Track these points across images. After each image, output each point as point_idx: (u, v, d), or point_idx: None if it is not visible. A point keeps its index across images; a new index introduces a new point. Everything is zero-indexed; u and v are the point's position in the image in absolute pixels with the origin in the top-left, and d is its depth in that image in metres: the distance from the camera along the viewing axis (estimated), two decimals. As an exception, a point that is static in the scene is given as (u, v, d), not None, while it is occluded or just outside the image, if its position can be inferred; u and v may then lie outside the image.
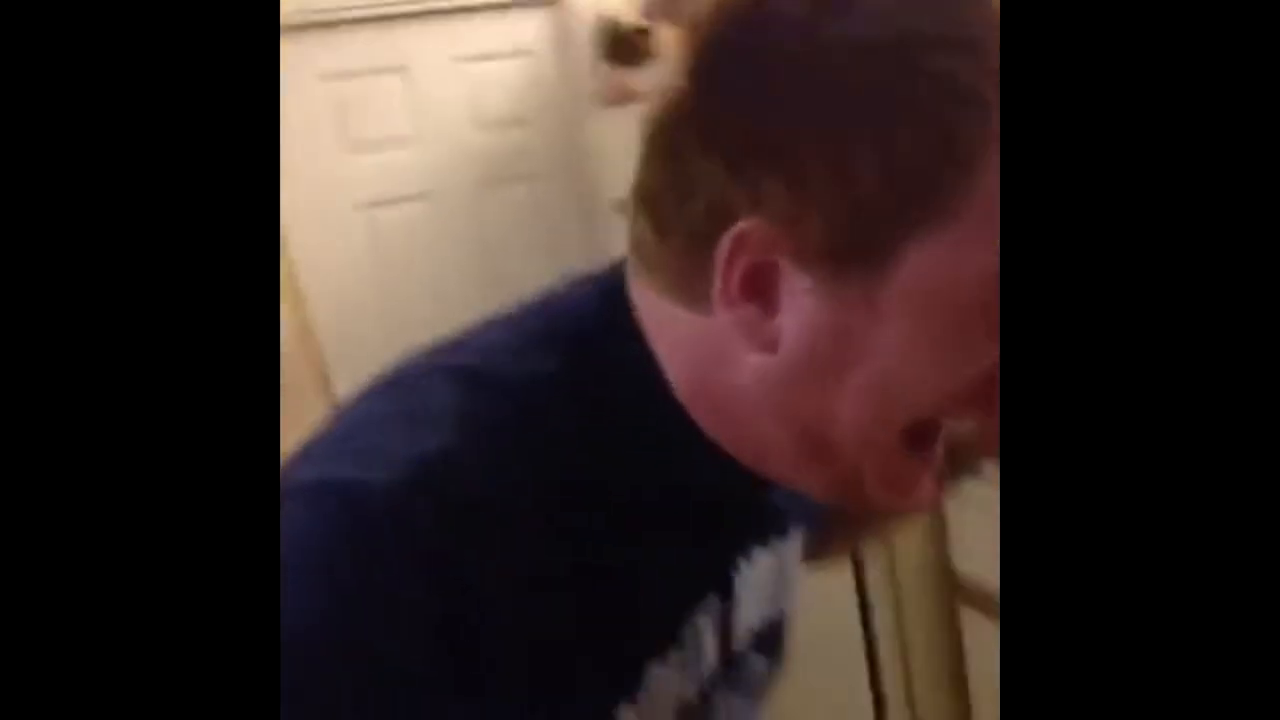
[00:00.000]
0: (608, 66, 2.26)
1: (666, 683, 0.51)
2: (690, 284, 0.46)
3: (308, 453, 0.46)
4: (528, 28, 2.61)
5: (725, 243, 0.43)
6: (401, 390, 0.48)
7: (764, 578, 0.59)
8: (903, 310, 0.43)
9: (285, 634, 0.35)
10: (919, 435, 0.46)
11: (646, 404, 0.49)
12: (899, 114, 0.41)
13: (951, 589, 1.80)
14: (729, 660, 0.57)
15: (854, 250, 0.42)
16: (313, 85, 2.39)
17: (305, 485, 0.42)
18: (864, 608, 1.84)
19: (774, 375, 0.45)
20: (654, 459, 0.49)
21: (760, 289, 0.44)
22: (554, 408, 0.47)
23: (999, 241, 0.38)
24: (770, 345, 0.44)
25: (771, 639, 0.62)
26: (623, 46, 2.13)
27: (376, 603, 0.40)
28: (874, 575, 1.81)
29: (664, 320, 0.48)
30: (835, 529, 0.70)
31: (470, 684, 0.42)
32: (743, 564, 0.56)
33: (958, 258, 0.42)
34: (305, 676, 0.38)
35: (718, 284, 0.44)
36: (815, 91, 0.42)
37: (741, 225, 0.43)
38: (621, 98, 2.23)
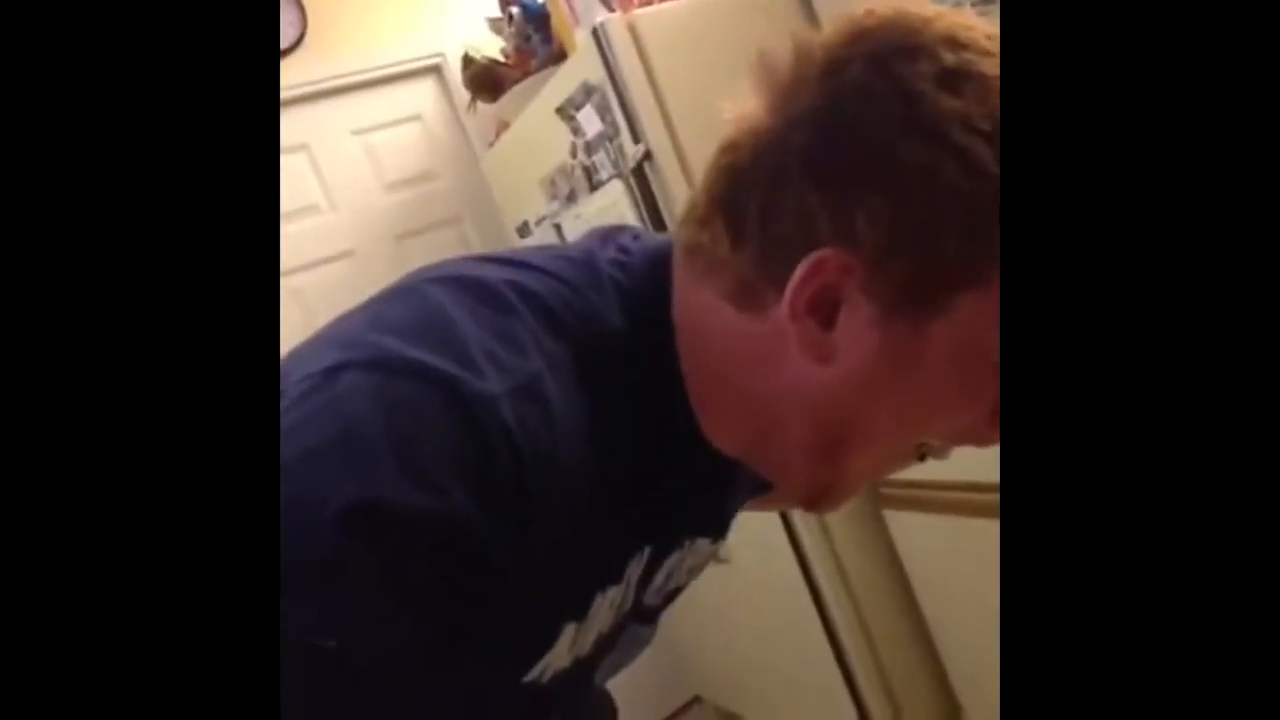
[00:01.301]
0: (479, 103, 2.44)
1: (601, 612, 0.56)
2: (752, 291, 0.50)
3: (395, 326, 0.48)
4: (414, 95, 2.75)
5: (806, 263, 0.47)
6: (487, 300, 0.50)
7: (695, 561, 0.66)
8: (943, 349, 0.47)
9: (388, 511, 0.41)
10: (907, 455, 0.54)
11: (664, 396, 0.53)
12: (986, 185, 0.44)
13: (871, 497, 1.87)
14: (638, 609, 0.62)
15: (923, 294, 0.46)
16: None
17: (407, 368, 0.45)
18: (790, 532, 1.93)
19: (822, 383, 0.49)
20: (659, 442, 0.53)
21: (821, 306, 0.48)
22: (603, 368, 0.50)
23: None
24: (826, 357, 0.48)
25: (665, 606, 0.69)
26: (485, 79, 2.32)
27: (461, 490, 0.43)
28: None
29: (708, 315, 0.52)
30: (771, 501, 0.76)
31: (513, 579, 0.46)
32: (687, 543, 0.63)
33: (989, 311, 0.46)
34: (416, 545, 0.42)
35: (788, 296, 0.47)
36: (925, 153, 0.45)
37: (825, 251, 0.46)
38: (499, 129, 2.42)
